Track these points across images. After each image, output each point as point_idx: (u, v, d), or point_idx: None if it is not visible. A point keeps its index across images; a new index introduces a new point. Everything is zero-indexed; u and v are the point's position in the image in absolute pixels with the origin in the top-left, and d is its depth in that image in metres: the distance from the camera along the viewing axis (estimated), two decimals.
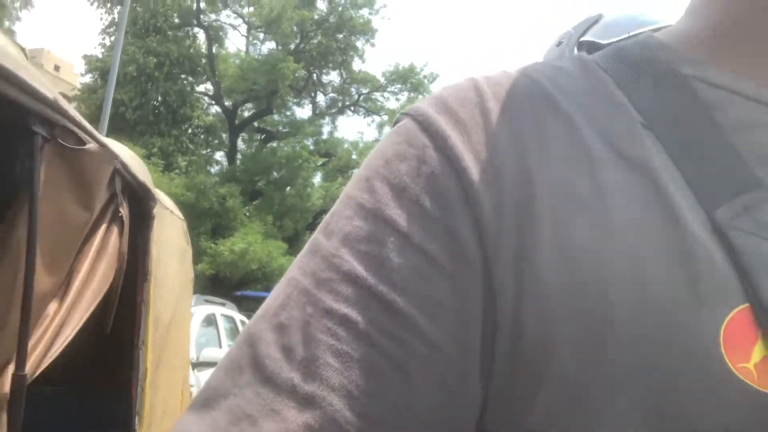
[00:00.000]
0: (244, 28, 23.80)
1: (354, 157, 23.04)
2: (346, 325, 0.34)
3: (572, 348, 0.34)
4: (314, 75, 24.27)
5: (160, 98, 20.62)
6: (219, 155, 24.32)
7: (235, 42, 24.35)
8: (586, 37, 0.75)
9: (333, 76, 25.16)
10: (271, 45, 23.68)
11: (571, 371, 0.34)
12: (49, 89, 1.51)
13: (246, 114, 23.72)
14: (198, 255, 15.75)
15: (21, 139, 1.52)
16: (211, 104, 23.62)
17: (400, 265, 0.36)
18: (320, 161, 23.14)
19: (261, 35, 23.67)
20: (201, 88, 23.13)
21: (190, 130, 22.09)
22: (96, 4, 21.67)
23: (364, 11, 23.92)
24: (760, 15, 0.42)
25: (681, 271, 0.35)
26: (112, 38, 21.65)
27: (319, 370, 0.33)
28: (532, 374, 0.35)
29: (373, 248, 0.36)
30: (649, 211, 0.36)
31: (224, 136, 23.60)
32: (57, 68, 29.77)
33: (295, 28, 22.48)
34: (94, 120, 19.08)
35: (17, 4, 18.34)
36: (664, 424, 0.33)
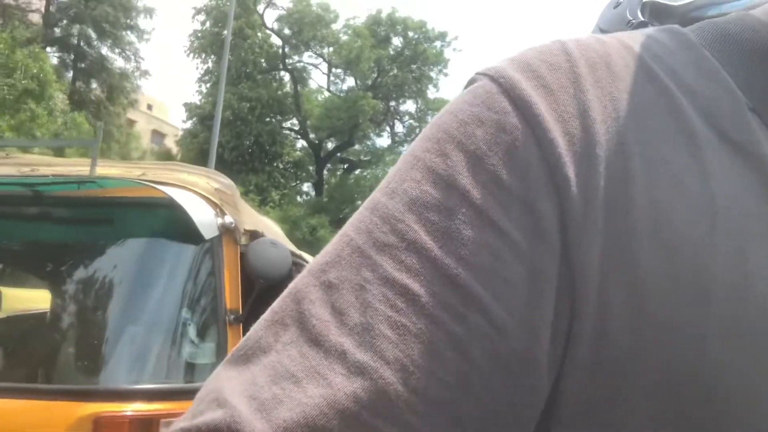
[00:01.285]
0: (324, 66, 25.53)
1: None
2: (407, 297, 0.32)
3: (664, 342, 0.33)
4: (392, 106, 25.64)
5: (252, 138, 22.53)
6: (306, 186, 26.07)
7: (317, 80, 26.21)
8: None
9: (409, 105, 26.49)
10: (350, 81, 25.31)
11: (661, 367, 0.33)
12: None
13: (330, 146, 25.32)
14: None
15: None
16: (298, 138, 25.41)
17: (469, 238, 0.33)
18: None
19: (340, 72, 25.31)
20: (287, 124, 24.96)
21: (281, 166, 23.91)
22: (192, 55, 23.89)
23: (437, 43, 25.19)
24: None
25: None
26: (208, 85, 23.83)
27: (374, 340, 0.32)
28: (619, 367, 0.33)
29: (442, 218, 0.34)
30: (757, 197, 0.35)
31: (311, 168, 25.30)
32: (150, 107, 32.56)
33: (372, 64, 23.96)
34: (196, 160, 21.08)
35: (137, 74, 20.51)
36: (765, 425, 0.32)
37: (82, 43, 18.09)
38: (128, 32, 19.23)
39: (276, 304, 0.35)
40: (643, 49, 0.39)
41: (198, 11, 23.61)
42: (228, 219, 2.42)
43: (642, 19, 0.65)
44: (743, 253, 0.33)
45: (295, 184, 25.14)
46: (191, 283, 2.46)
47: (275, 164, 23.72)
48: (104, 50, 18.60)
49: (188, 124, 23.73)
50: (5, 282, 2.55)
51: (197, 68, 24.38)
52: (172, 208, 2.29)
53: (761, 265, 0.33)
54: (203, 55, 24.05)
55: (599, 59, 0.38)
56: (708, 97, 0.37)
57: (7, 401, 2.02)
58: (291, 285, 0.36)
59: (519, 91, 0.36)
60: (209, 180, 2.57)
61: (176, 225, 2.39)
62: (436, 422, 0.31)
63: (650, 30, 0.42)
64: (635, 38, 0.40)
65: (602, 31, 0.70)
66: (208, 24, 23.82)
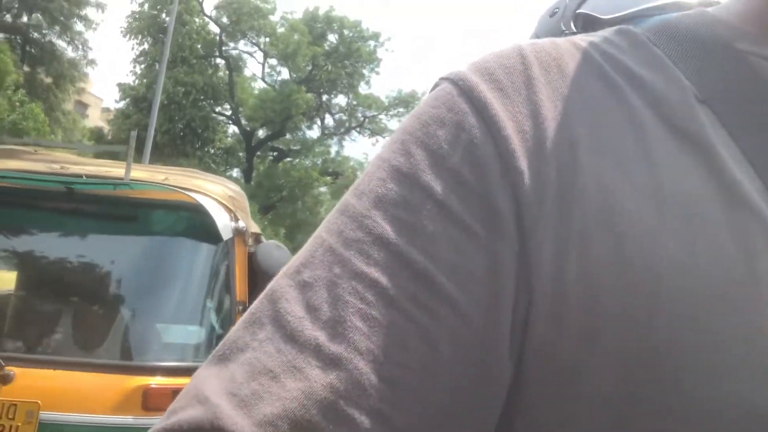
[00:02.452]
0: (260, 55, 26.14)
1: (359, 174, 25.32)
2: (375, 290, 0.34)
3: (617, 325, 0.33)
4: (324, 99, 26.54)
5: (185, 123, 22.96)
6: (235, 172, 26.64)
7: (252, 68, 26.74)
8: (584, 9, 0.73)
9: (340, 99, 27.45)
10: (284, 71, 26.02)
11: (615, 349, 0.33)
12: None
13: (261, 135, 26.01)
14: None
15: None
16: (229, 125, 25.95)
17: (433, 233, 0.35)
18: (328, 182, 25.44)
19: (275, 62, 25.98)
20: (220, 109, 25.46)
21: (212, 151, 24.45)
22: (129, 36, 23.98)
23: (371, 43, 26.27)
24: None
25: (738, 246, 0.34)
26: (143, 66, 24.01)
27: (346, 332, 0.33)
28: (576, 352, 0.34)
29: (407, 214, 0.35)
30: (704, 183, 0.36)
31: (241, 155, 25.92)
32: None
33: (308, 60, 24.80)
34: (125, 141, 21.34)
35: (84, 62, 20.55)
36: (717, 402, 0.32)
37: (32, 32, 18.19)
38: (77, 21, 19.38)
39: (253, 305, 0.37)
40: (593, 49, 0.42)
41: None
42: (241, 223, 2.80)
43: (574, 30, 0.69)
44: (691, 237, 0.34)
45: (224, 169, 25.71)
46: (212, 278, 2.80)
47: (207, 149, 24.25)
48: (54, 38, 18.72)
49: (121, 104, 23.86)
50: (50, 273, 2.85)
51: (133, 49, 24.47)
52: (196, 211, 2.59)
53: (708, 247, 0.34)
54: (140, 37, 24.18)
55: (552, 61, 0.40)
56: (657, 90, 0.39)
57: (72, 373, 2.44)
58: (267, 287, 0.37)
59: (477, 93, 0.38)
60: (224, 187, 2.96)
61: (199, 226, 2.65)
62: (406, 410, 0.32)
63: (602, 31, 0.45)
64: (588, 39, 0.43)
65: (537, 38, 0.73)
66: (146, 6, 23.95)
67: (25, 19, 18.14)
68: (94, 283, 2.85)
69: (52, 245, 2.90)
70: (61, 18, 18.13)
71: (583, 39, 0.42)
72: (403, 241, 0.35)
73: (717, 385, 0.32)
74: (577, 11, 0.72)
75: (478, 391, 0.34)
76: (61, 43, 19.09)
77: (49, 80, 17.07)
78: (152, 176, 2.91)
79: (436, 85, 0.41)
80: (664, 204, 0.35)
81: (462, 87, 0.39)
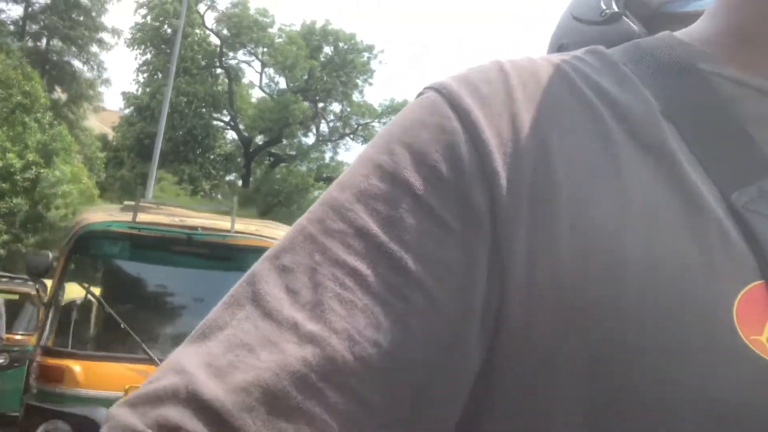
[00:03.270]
0: (258, 65, 27.29)
1: None
2: (354, 276, 0.36)
3: (585, 317, 0.36)
4: (319, 107, 27.71)
5: (186, 130, 24.09)
6: (233, 177, 27.78)
7: (249, 75, 27.81)
8: None
9: (335, 106, 28.63)
10: (281, 80, 27.17)
11: (584, 340, 0.35)
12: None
13: (259, 141, 27.17)
14: None
15: None
16: (227, 129, 27.10)
17: (411, 225, 0.37)
18: (323, 187, 26.65)
19: (272, 71, 27.13)
20: (218, 115, 26.59)
21: (212, 157, 25.59)
22: (133, 46, 25.07)
23: (364, 55, 27.47)
24: (762, 21, 0.44)
25: (695, 244, 0.36)
26: (145, 75, 25.12)
27: (324, 314, 0.35)
28: (546, 348, 0.36)
29: (387, 207, 0.38)
30: (665, 189, 0.38)
31: (240, 161, 27.07)
32: None
33: (306, 72, 25.97)
34: (134, 147, 22.47)
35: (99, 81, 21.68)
36: (677, 393, 0.34)
37: (54, 56, 19.36)
38: (94, 44, 20.54)
39: (233, 289, 0.38)
40: (567, 66, 0.44)
41: (140, 5, 24.79)
42: None
43: (616, 9, 0.68)
44: (652, 237, 0.36)
45: (223, 174, 26.86)
46: None
47: (207, 155, 25.39)
48: (71, 59, 19.88)
49: (125, 112, 24.93)
50: (165, 298, 4.24)
51: (136, 59, 25.53)
52: None
53: (668, 245, 0.36)
54: (143, 47, 25.27)
55: (529, 75, 0.43)
56: (624, 105, 0.42)
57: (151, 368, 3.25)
58: (248, 271, 0.39)
59: (459, 100, 0.40)
60: None
61: None
62: (378, 388, 0.34)
63: (575, 52, 0.47)
64: (562, 58, 0.46)
65: (575, 18, 0.75)
66: (149, 18, 25.03)
67: (43, 42, 19.33)
68: (207, 306, 4.46)
69: (177, 278, 4.09)
70: (79, 41, 19.29)
71: (558, 57, 0.46)
72: (383, 232, 0.37)
73: (678, 370, 0.34)
74: None
75: (444, 379, 0.36)
76: (78, 64, 20.30)
77: (64, 97, 18.20)
78: (247, 227, 3.99)
79: (420, 94, 0.44)
80: (627, 208, 0.37)
81: (445, 94, 0.41)
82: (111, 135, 24.20)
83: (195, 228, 3.91)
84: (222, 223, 4.08)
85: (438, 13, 64.18)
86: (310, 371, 0.33)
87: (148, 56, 25.36)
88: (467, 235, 0.37)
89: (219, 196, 24.76)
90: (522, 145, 0.39)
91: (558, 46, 0.74)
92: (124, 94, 24.88)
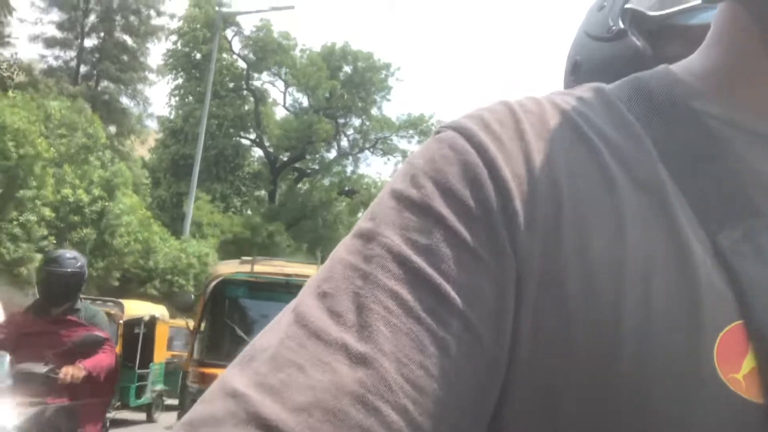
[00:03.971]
0: (281, 84, 28.83)
1: (373, 191, 27.94)
2: (396, 300, 0.37)
3: (584, 356, 0.37)
4: (339, 123, 29.16)
5: (217, 151, 25.65)
6: (260, 192, 29.31)
7: (273, 94, 29.35)
8: (630, 5, 0.74)
9: (354, 120, 30.06)
10: (304, 98, 28.67)
11: (584, 374, 0.37)
12: None
13: (284, 158, 28.67)
14: None
15: None
16: (254, 146, 28.64)
17: (447, 255, 0.38)
18: (344, 202, 28.11)
19: (293, 89, 28.63)
20: (244, 133, 28.15)
21: (242, 175, 27.14)
22: (165, 72, 26.68)
23: (382, 73, 28.90)
24: (754, 61, 0.46)
25: (684, 290, 0.38)
26: (176, 99, 26.74)
27: (372, 335, 0.35)
28: (551, 373, 0.38)
29: (422, 237, 0.39)
30: (659, 234, 0.40)
31: (266, 177, 28.60)
32: None
33: (327, 92, 27.45)
34: (168, 168, 24.01)
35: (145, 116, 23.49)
36: (662, 430, 0.36)
37: (106, 96, 21.14)
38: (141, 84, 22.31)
39: (275, 319, 0.39)
40: (571, 109, 0.46)
41: (171, 32, 26.40)
42: None
43: (622, 26, 0.72)
44: (647, 290, 0.38)
45: (253, 189, 28.41)
46: None
47: (237, 173, 26.95)
48: (122, 98, 21.63)
49: (160, 135, 26.55)
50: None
51: (168, 83, 27.13)
52: None
53: (660, 301, 0.38)
54: (174, 73, 26.89)
55: (536, 118, 0.45)
56: (623, 148, 0.43)
57: None
58: (290, 304, 0.40)
59: (477, 139, 0.42)
60: None
61: None
62: (424, 408, 0.35)
63: (577, 90, 0.49)
64: (565, 99, 0.47)
65: (588, 34, 0.78)
66: (179, 44, 26.65)
67: (95, 83, 21.14)
68: None
69: (279, 310, 6.41)
70: (128, 82, 21.03)
71: (561, 99, 0.47)
72: (420, 259, 0.38)
73: (665, 410, 0.36)
74: (625, 6, 0.73)
75: (479, 398, 0.37)
76: (125, 101, 22.09)
77: (113, 129, 19.89)
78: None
79: (437, 131, 0.46)
80: (625, 250, 0.39)
81: (463, 133, 0.43)
82: (148, 157, 25.78)
83: (290, 275, 5.90)
84: (308, 270, 6.04)
85: (452, 32, 65.57)
86: (366, 392, 0.34)
87: (180, 81, 26.98)
88: (498, 267, 0.39)
89: (249, 212, 26.29)
90: (535, 185, 0.41)
91: (573, 62, 0.80)
92: (159, 118, 26.49)
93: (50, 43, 21.71)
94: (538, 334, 0.38)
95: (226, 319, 6.10)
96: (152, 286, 15.21)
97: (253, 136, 28.14)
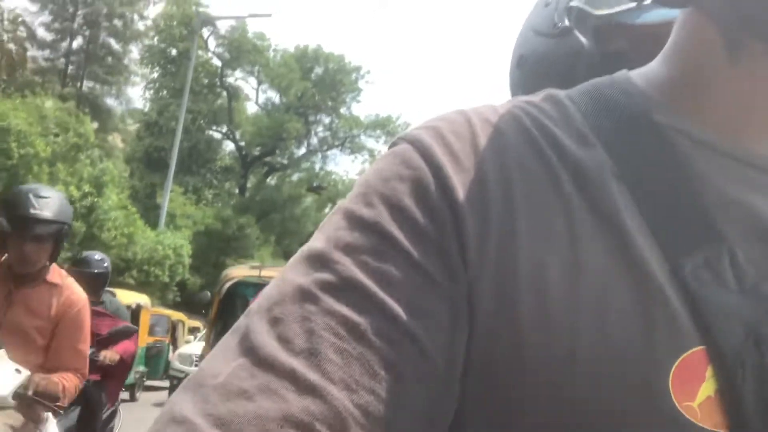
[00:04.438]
0: (254, 81, 29.83)
1: (340, 188, 29.19)
2: (347, 326, 0.36)
3: (534, 386, 0.37)
4: (310, 120, 30.30)
5: (191, 144, 26.59)
6: (229, 185, 30.31)
7: (245, 89, 30.39)
8: (575, 3, 0.73)
9: (323, 118, 31.22)
10: (275, 95, 29.73)
11: (532, 408, 0.38)
12: None
13: (255, 153, 29.73)
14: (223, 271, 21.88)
15: None
16: (226, 140, 29.62)
17: (399, 278, 0.38)
18: (312, 197, 29.30)
19: (266, 86, 29.67)
20: (216, 127, 29.13)
21: (214, 168, 28.14)
22: (142, 65, 27.49)
23: (353, 75, 30.12)
24: (716, 73, 0.44)
25: (639, 318, 0.38)
26: (150, 92, 27.58)
27: (321, 363, 0.35)
28: (501, 408, 0.38)
29: (373, 259, 0.38)
30: (615, 260, 0.39)
31: (237, 170, 29.63)
32: None
33: (299, 92, 28.59)
34: (142, 160, 24.89)
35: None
36: None
37: (92, 97, 22.01)
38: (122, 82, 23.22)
39: (223, 339, 0.38)
40: (529, 121, 0.44)
41: (149, 29, 27.20)
42: None
43: (567, 23, 0.72)
44: (602, 306, 0.38)
45: (223, 183, 29.43)
46: None
47: (209, 167, 27.95)
48: (107, 98, 22.53)
49: (134, 127, 27.37)
50: None
51: (143, 77, 27.92)
52: None
53: (616, 328, 0.38)
54: (150, 66, 27.72)
55: (494, 132, 0.43)
56: (579, 165, 0.42)
57: None
58: (237, 324, 0.39)
59: (431, 154, 0.41)
60: None
61: None
62: None
63: (535, 98, 0.47)
64: (524, 109, 0.46)
65: (533, 30, 0.77)
66: (156, 40, 27.46)
67: (80, 84, 22.09)
68: None
69: None
70: (113, 83, 22.01)
71: (521, 109, 0.46)
72: (371, 282, 0.37)
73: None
74: (570, 4, 0.73)
75: (432, 419, 0.37)
76: (110, 100, 23.09)
77: (95, 127, 20.86)
78: None
79: (393, 144, 0.45)
80: (580, 276, 0.39)
81: (419, 148, 0.42)
82: (121, 147, 26.57)
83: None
84: None
85: (423, 35, 66.93)
86: (313, 419, 0.33)
87: (155, 75, 27.81)
88: (450, 288, 0.38)
89: (219, 205, 27.32)
90: (489, 205, 0.40)
91: (519, 56, 0.81)
92: (130, 111, 27.27)
93: (41, 45, 22.56)
94: (491, 354, 0.38)
95: (238, 314, 7.29)
96: (130, 275, 16.25)
97: (225, 131, 29.14)
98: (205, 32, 27.79)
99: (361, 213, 0.40)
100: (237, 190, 29.63)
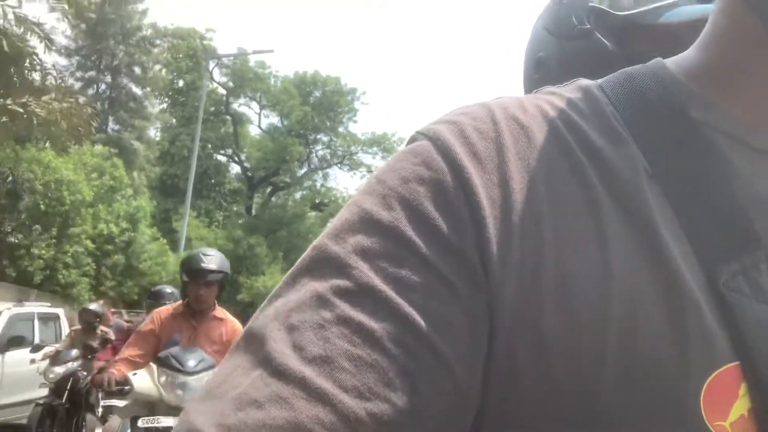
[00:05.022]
0: (256, 106, 31.65)
1: (341, 203, 30.95)
2: (363, 333, 0.35)
3: (558, 399, 0.36)
4: (310, 140, 32.09)
5: (202, 170, 28.40)
6: (236, 206, 32.10)
7: (248, 113, 32.39)
8: (595, 3, 0.70)
9: (323, 137, 32.99)
10: (277, 119, 31.57)
11: (555, 421, 0.36)
12: None
13: (260, 174, 31.53)
14: (237, 288, 23.69)
15: None
16: (232, 162, 31.42)
17: (417, 284, 0.36)
18: (315, 213, 31.11)
19: (268, 111, 31.50)
20: (226, 151, 30.95)
21: (223, 191, 29.94)
22: (152, 98, 29.30)
23: (349, 97, 31.97)
24: (756, 65, 0.42)
25: (671, 331, 0.36)
26: (160, 123, 29.41)
27: (333, 371, 0.34)
28: (526, 409, 0.36)
29: (392, 265, 0.37)
30: (647, 268, 0.37)
31: (244, 191, 31.43)
32: None
33: (300, 117, 30.45)
34: (155, 186, 26.71)
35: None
36: None
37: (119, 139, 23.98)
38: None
39: (237, 344, 0.39)
40: (556, 116, 0.42)
41: (157, 61, 29.00)
42: None
43: (587, 25, 0.69)
44: (633, 317, 0.36)
45: (231, 205, 31.24)
46: None
47: (218, 190, 29.76)
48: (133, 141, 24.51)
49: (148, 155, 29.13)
50: None
51: (153, 108, 29.73)
52: None
53: (648, 329, 0.36)
54: (161, 97, 29.54)
55: (521, 130, 0.41)
56: (610, 164, 0.40)
57: None
58: (250, 328, 0.39)
59: (453, 155, 0.39)
60: None
61: None
62: None
63: (565, 90, 0.45)
64: (552, 103, 0.43)
65: (548, 31, 0.75)
66: (164, 71, 29.28)
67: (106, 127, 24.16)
68: None
69: None
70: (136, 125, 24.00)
71: (549, 103, 0.44)
72: (389, 288, 0.36)
73: None
74: (590, 4, 0.70)
75: (453, 429, 0.36)
76: (134, 141, 25.06)
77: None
78: None
79: (413, 139, 0.43)
80: (610, 285, 0.37)
81: (439, 146, 0.40)
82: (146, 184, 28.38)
83: None
84: None
85: (416, 53, 68.96)
86: (321, 428, 0.33)
87: (164, 106, 29.64)
88: (471, 296, 0.37)
89: (229, 226, 29.13)
90: (513, 211, 0.38)
91: (536, 60, 0.79)
92: (147, 140, 29.04)
93: (70, 93, 24.34)
94: (513, 365, 0.37)
95: None
96: None
97: (230, 154, 30.97)
98: (210, 63, 29.66)
99: (380, 216, 0.39)
100: (244, 211, 31.42)
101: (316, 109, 31.31)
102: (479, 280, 0.37)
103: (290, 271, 0.41)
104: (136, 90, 25.59)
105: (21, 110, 9.03)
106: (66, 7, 10.16)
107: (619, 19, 0.70)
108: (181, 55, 28.71)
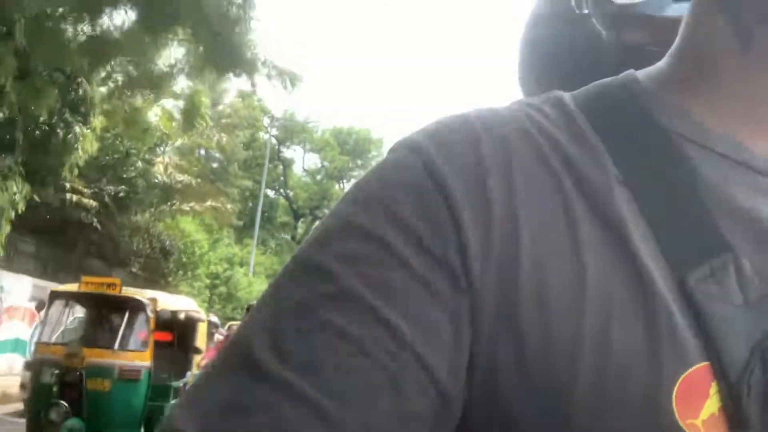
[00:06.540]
0: (300, 150, 38.58)
1: None
2: (345, 338, 0.35)
3: (536, 397, 0.36)
4: (342, 180, 38.93)
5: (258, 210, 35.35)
6: (285, 235, 38.98)
7: (291, 155, 39.62)
8: None
9: (355, 176, 39.71)
10: (317, 159, 38.42)
11: (532, 420, 0.36)
12: None
13: (305, 210, 38.44)
14: None
15: None
16: (280, 197, 38.32)
17: (400, 289, 0.37)
18: None
19: (310, 155, 38.42)
20: (276, 190, 37.87)
21: (275, 224, 36.88)
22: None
23: (373, 150, 38.80)
24: (721, 60, 0.43)
25: (644, 332, 0.36)
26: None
27: (318, 378, 0.35)
28: (507, 410, 0.37)
29: (374, 270, 0.37)
30: (619, 271, 0.38)
31: (291, 223, 38.33)
32: None
33: (338, 164, 37.38)
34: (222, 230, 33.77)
35: None
36: None
37: None
38: None
39: (222, 350, 0.39)
40: (535, 128, 0.43)
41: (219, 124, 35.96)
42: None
43: (585, 10, 0.68)
44: (607, 319, 0.37)
45: (282, 234, 38.19)
46: None
47: (272, 222, 36.71)
48: None
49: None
50: None
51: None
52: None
53: (619, 341, 0.36)
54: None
55: (499, 140, 0.42)
56: (583, 171, 0.41)
57: None
58: (236, 335, 0.39)
59: (432, 162, 0.40)
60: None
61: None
62: None
63: (538, 101, 0.46)
64: (528, 114, 0.44)
65: (543, 15, 0.76)
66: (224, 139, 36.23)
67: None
68: None
69: None
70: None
71: (525, 113, 0.45)
72: (371, 295, 0.37)
73: None
74: None
75: None
76: None
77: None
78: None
79: (392, 150, 0.44)
80: (585, 287, 0.38)
81: (420, 155, 0.41)
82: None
83: None
84: None
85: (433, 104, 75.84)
86: None
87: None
88: (453, 299, 0.37)
89: (281, 253, 36.06)
90: (492, 217, 0.39)
91: (530, 42, 0.79)
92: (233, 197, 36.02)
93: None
94: (493, 368, 0.37)
95: None
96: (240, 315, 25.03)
97: (280, 190, 37.90)
98: (265, 120, 36.62)
99: (361, 222, 0.39)
100: (290, 238, 38.31)
101: (350, 154, 38.13)
102: (461, 284, 0.38)
103: (273, 279, 0.42)
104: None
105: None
106: None
107: (616, 7, 0.69)
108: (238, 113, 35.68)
